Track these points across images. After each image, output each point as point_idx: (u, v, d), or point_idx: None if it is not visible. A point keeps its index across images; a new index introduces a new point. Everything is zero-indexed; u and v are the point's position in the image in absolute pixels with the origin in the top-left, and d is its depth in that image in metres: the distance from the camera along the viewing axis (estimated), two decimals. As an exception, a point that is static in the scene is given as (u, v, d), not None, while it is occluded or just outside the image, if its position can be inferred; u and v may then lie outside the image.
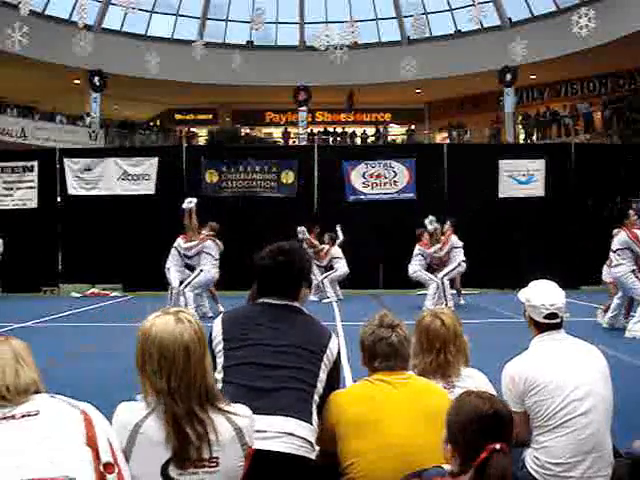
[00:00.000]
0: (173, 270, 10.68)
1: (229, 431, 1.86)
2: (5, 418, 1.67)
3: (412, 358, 2.85)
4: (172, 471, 1.77)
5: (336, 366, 2.54)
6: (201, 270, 10.39)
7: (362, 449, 2.35)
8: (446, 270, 11.12)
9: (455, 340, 2.90)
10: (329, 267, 12.94)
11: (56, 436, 1.64)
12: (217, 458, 1.82)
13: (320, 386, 2.43)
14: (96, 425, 1.72)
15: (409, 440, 2.35)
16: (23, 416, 1.68)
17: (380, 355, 2.53)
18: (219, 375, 2.38)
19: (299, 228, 12.47)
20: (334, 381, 2.55)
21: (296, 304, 2.60)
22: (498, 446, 1.85)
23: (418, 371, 2.83)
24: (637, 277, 8.04)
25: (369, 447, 2.35)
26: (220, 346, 2.44)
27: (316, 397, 2.42)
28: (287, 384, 2.35)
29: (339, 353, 2.56)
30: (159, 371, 1.85)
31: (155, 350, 1.86)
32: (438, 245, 11.08)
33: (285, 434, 2.26)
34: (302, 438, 2.29)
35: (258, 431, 2.20)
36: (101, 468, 1.65)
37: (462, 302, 11.95)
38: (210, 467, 1.80)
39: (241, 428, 1.89)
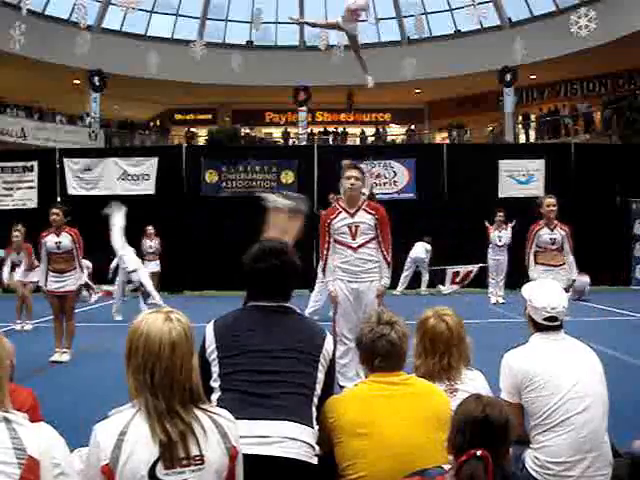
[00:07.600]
0: None
1: (212, 429, 1.86)
2: None
3: (415, 359, 2.83)
4: (159, 471, 1.77)
5: (332, 364, 2.53)
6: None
7: (360, 450, 2.33)
8: None
9: (459, 344, 2.82)
10: None
11: None
12: (202, 456, 1.82)
13: (318, 388, 2.42)
14: (43, 469, 1.65)
15: (408, 441, 2.33)
16: None
17: (380, 353, 2.47)
18: (215, 383, 2.37)
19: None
20: (331, 380, 2.54)
21: (288, 305, 2.57)
22: (479, 452, 1.86)
23: (421, 373, 2.78)
24: None
25: (367, 448, 2.33)
26: (214, 354, 2.41)
27: (315, 400, 2.41)
28: (286, 389, 2.34)
29: (334, 352, 2.56)
30: (143, 364, 1.84)
31: (141, 344, 1.85)
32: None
33: (287, 439, 2.24)
34: (304, 442, 2.28)
35: (260, 437, 2.21)
36: None
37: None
38: (195, 465, 1.80)
39: (224, 427, 1.89)
